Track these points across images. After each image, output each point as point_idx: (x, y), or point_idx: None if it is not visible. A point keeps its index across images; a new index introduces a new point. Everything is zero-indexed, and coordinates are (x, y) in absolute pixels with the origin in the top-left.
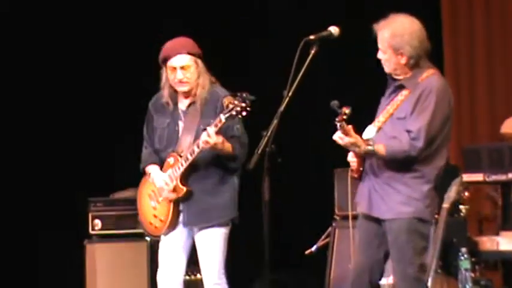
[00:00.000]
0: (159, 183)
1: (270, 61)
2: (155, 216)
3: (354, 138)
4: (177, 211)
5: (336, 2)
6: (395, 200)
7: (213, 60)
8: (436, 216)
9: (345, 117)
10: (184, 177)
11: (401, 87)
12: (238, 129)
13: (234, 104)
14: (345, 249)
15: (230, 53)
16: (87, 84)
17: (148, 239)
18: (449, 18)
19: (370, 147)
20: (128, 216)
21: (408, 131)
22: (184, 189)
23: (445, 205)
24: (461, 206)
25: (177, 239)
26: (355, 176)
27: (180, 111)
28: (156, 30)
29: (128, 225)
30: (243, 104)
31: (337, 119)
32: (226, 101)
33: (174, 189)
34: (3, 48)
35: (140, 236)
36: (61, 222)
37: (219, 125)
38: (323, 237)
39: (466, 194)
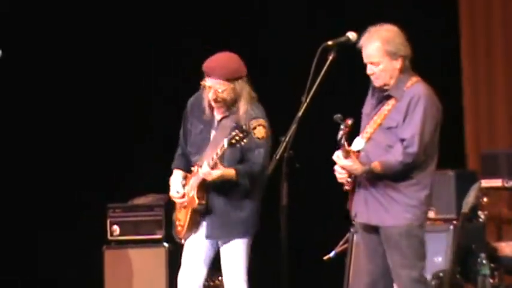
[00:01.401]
0: (171, 192)
1: (287, 66)
2: (179, 219)
3: (352, 161)
4: (196, 220)
5: (356, 6)
6: (394, 208)
7: None
8: (455, 222)
9: (347, 129)
10: (204, 190)
11: (387, 97)
12: (259, 153)
13: (236, 134)
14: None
15: (247, 56)
16: (107, 89)
17: (166, 245)
18: (467, 25)
19: (366, 168)
20: (146, 222)
21: (402, 140)
22: (197, 201)
23: (464, 211)
24: (479, 212)
25: (199, 248)
26: (348, 187)
27: (215, 120)
28: (174, 30)
29: (146, 231)
30: (241, 134)
31: (341, 132)
32: (255, 122)
33: (191, 201)
34: (3, 49)
35: (158, 242)
36: (80, 228)
37: (221, 151)
38: (341, 242)
39: (485, 199)
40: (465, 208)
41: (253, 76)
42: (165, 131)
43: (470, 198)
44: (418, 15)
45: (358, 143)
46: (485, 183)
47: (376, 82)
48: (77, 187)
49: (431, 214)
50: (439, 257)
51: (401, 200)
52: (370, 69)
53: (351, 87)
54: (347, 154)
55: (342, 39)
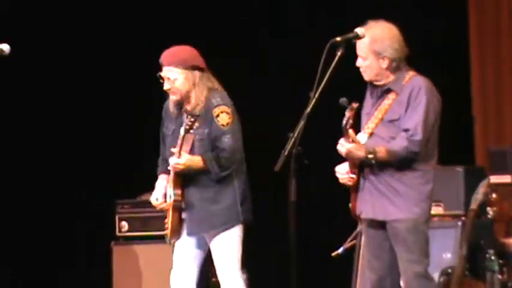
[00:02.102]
0: (151, 199)
1: (294, 62)
2: (166, 222)
3: (355, 143)
4: (178, 219)
5: (372, 5)
6: (400, 202)
7: (233, 61)
8: (464, 218)
9: (353, 113)
10: (179, 186)
11: (388, 91)
12: (227, 139)
13: (188, 118)
14: None
15: (254, 52)
16: (111, 85)
17: (174, 244)
18: (476, 21)
19: (371, 150)
20: (154, 218)
21: (406, 130)
22: (172, 198)
23: (473, 207)
24: (488, 208)
25: (187, 247)
26: (350, 183)
27: (184, 118)
28: (174, 30)
29: (154, 227)
30: (192, 119)
31: (346, 115)
32: (217, 110)
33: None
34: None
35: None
36: (88, 224)
37: (181, 139)
38: (349, 239)
39: (494, 195)
40: (474, 204)
41: (255, 73)
42: None
43: (478, 195)
44: (418, 15)
45: (361, 139)
46: (494, 179)
47: (364, 76)
48: (86, 183)
49: (439, 210)
50: (447, 253)
51: (408, 193)
52: (358, 62)
53: (358, 84)
54: (351, 140)
55: (351, 35)
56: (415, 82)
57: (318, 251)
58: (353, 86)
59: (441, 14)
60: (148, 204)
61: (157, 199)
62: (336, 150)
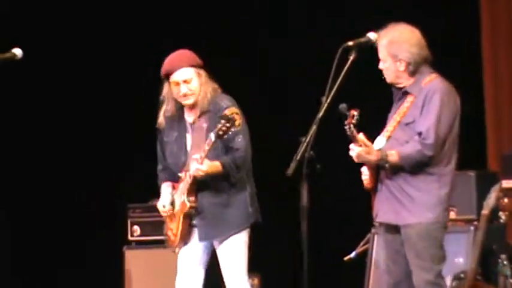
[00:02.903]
0: (158, 205)
1: (309, 66)
2: (171, 229)
3: (365, 147)
4: (188, 225)
5: (372, 5)
6: (413, 206)
7: (233, 61)
8: (476, 223)
9: (353, 120)
10: (193, 193)
11: (406, 93)
12: (239, 139)
13: (222, 125)
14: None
15: (268, 57)
16: (121, 87)
17: (178, 252)
18: (488, 22)
19: (383, 154)
20: None
21: (419, 133)
22: (188, 205)
23: (485, 212)
24: (500, 213)
25: (194, 252)
26: (369, 186)
27: (187, 124)
28: (174, 31)
29: None
30: (228, 124)
31: (345, 122)
32: (228, 112)
33: (182, 206)
34: (3, 48)
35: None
36: (100, 228)
37: (209, 145)
38: (362, 243)
39: (506, 200)
40: (486, 209)
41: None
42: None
43: (490, 200)
44: (418, 14)
45: (379, 142)
46: (506, 184)
47: (386, 78)
48: (98, 187)
49: (452, 215)
50: (459, 258)
51: (421, 197)
52: (380, 65)
53: (368, 88)
54: (360, 143)
55: (363, 39)
56: (432, 84)
57: (330, 256)
58: (368, 90)
59: (441, 14)
60: None
61: (164, 206)
62: (348, 153)
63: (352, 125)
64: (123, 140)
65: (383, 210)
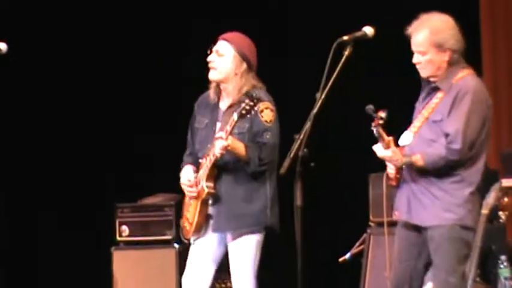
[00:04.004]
0: (182, 179)
1: (301, 62)
2: (187, 218)
3: (392, 152)
4: (205, 214)
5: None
6: (435, 207)
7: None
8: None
9: (381, 121)
10: (212, 179)
11: (436, 89)
12: (268, 136)
13: (245, 102)
14: (380, 257)
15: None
16: (115, 87)
17: (176, 246)
18: (487, 18)
19: (407, 160)
20: (156, 222)
21: (446, 135)
22: (206, 190)
23: (484, 211)
24: (500, 212)
25: (207, 246)
26: (393, 183)
27: (220, 112)
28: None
29: (156, 232)
30: (251, 103)
31: (373, 124)
32: (262, 105)
33: (201, 192)
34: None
35: (168, 243)
36: (87, 228)
37: (231, 124)
38: (357, 244)
39: (506, 199)
40: (485, 209)
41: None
42: (175, 130)
43: (490, 199)
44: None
45: (406, 138)
46: (506, 182)
47: (422, 72)
48: (85, 186)
49: None
50: None
51: (444, 198)
52: (416, 58)
53: (367, 83)
54: (387, 145)
55: (358, 34)
56: (463, 83)
57: (324, 257)
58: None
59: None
60: (150, 208)
61: (189, 180)
62: (343, 152)
63: (379, 127)
64: (113, 138)
65: (404, 208)
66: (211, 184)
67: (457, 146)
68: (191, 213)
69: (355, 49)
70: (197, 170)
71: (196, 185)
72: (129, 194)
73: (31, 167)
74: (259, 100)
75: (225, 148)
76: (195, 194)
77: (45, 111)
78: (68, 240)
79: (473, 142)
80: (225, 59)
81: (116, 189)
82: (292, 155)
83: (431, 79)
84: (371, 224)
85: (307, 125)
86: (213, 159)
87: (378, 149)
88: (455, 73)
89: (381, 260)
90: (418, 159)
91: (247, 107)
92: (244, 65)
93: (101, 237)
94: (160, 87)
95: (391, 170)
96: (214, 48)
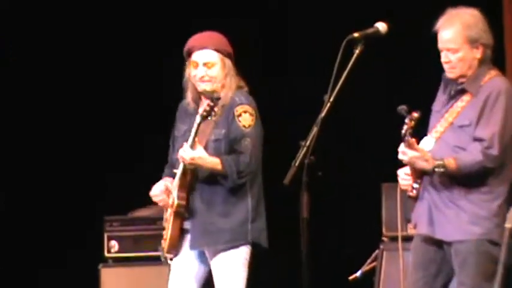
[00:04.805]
0: (151, 191)
1: (308, 61)
2: (163, 236)
3: (419, 152)
4: (178, 228)
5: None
6: (461, 220)
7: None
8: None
9: (413, 124)
10: (184, 189)
11: (461, 91)
12: (247, 143)
13: (207, 103)
14: (394, 275)
15: (265, 52)
16: (102, 94)
17: (170, 262)
18: (511, 19)
19: (439, 162)
20: (147, 237)
21: (479, 140)
22: (176, 201)
23: (508, 225)
24: None
25: (187, 264)
26: (413, 195)
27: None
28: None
29: (147, 247)
30: (211, 103)
31: (405, 127)
32: (240, 108)
33: (172, 204)
34: (3, 46)
35: (161, 259)
36: (73, 243)
37: (196, 127)
38: (369, 261)
39: None
40: (509, 222)
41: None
42: (166, 140)
43: None
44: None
45: (427, 143)
46: None
47: (451, 72)
48: (71, 198)
49: None
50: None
51: (470, 210)
52: (445, 57)
53: (380, 84)
54: (412, 147)
55: (370, 30)
56: (493, 84)
57: (333, 275)
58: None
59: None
60: (141, 221)
61: (155, 193)
62: (353, 160)
63: (410, 131)
64: (101, 147)
65: (424, 221)
66: (183, 194)
67: (495, 151)
68: (166, 229)
69: (367, 47)
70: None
71: (168, 197)
72: (118, 206)
73: (12, 174)
74: (218, 99)
75: (185, 160)
76: (168, 210)
77: (37, 117)
78: (51, 257)
79: (505, 148)
80: (216, 68)
81: (104, 200)
82: (297, 163)
83: (460, 80)
84: (384, 238)
85: (314, 130)
86: (181, 169)
87: (404, 154)
88: (484, 74)
89: (395, 279)
90: (451, 163)
91: (207, 108)
92: (229, 63)
93: (87, 254)
94: (156, 93)
95: (404, 179)
96: (200, 61)
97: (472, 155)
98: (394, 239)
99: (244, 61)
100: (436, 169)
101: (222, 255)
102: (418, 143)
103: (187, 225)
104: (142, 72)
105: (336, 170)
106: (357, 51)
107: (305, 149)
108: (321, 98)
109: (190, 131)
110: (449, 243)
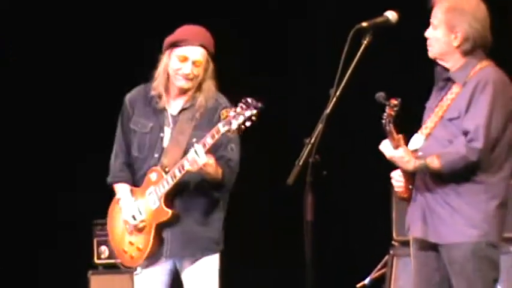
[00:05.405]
0: (126, 216)
1: (312, 54)
2: (131, 243)
3: (403, 152)
4: (159, 239)
5: None
6: (456, 221)
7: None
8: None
9: (393, 112)
10: (169, 199)
11: (449, 81)
12: (232, 149)
13: (236, 112)
14: (405, 282)
15: (266, 44)
16: (102, 94)
17: (138, 272)
18: None
19: (421, 163)
20: None
21: (465, 132)
22: (170, 212)
23: None
24: None
25: (159, 274)
26: (404, 195)
27: (168, 115)
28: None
29: None
30: (249, 112)
31: (384, 115)
32: (224, 113)
33: (157, 214)
34: (3, 46)
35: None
36: (60, 249)
37: (216, 136)
38: (378, 267)
39: None
40: None
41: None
42: None
43: None
44: None
45: (417, 141)
46: None
47: (429, 51)
48: (59, 202)
49: None
50: (498, 286)
51: (466, 211)
52: (427, 32)
53: (390, 77)
54: (397, 143)
55: (379, 19)
56: (482, 74)
57: (340, 282)
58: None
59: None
60: None
61: (134, 217)
62: (361, 159)
63: (391, 118)
64: (90, 148)
65: (418, 223)
66: (170, 203)
67: (478, 144)
68: (142, 238)
69: (376, 38)
70: (133, 190)
71: (147, 210)
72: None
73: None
74: (258, 109)
75: (205, 166)
76: (144, 223)
77: (37, 117)
78: (37, 262)
79: (497, 141)
80: (201, 68)
81: (92, 203)
82: (301, 162)
83: (439, 62)
84: (394, 243)
85: (319, 127)
86: (179, 175)
87: (386, 148)
88: (474, 65)
89: (406, 286)
90: (434, 161)
91: (242, 118)
92: (211, 65)
93: (76, 260)
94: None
95: (398, 181)
96: (191, 58)
97: (456, 150)
98: (405, 243)
99: (244, 61)
100: (419, 170)
101: (199, 264)
102: (405, 141)
103: (164, 234)
104: (142, 73)
105: (342, 170)
106: (365, 42)
107: (309, 147)
108: (327, 92)
109: (159, 128)
110: (444, 247)
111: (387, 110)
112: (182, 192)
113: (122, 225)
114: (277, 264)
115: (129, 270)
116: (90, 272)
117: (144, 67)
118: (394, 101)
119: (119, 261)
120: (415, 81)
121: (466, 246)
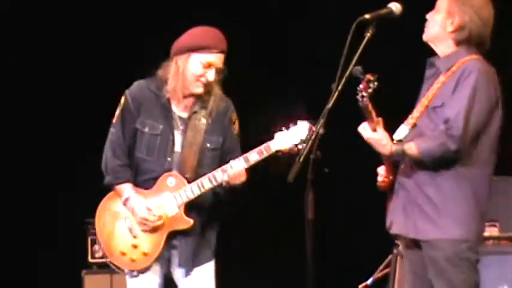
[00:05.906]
0: (143, 213)
1: (312, 54)
2: (135, 246)
3: (380, 135)
4: (169, 246)
5: None
6: (438, 216)
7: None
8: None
9: (369, 89)
10: (187, 207)
11: (434, 66)
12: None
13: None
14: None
15: (267, 40)
16: (101, 94)
17: (134, 276)
18: None
19: (398, 147)
20: None
21: (445, 121)
22: (191, 221)
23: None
24: None
25: (152, 275)
26: (383, 185)
27: (177, 118)
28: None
29: None
30: (303, 137)
31: (358, 89)
32: (234, 116)
33: (175, 221)
34: (3, 46)
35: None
36: (53, 248)
37: (264, 153)
38: (381, 267)
39: None
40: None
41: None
42: None
43: None
44: None
45: (401, 131)
46: None
47: (425, 33)
48: (52, 200)
49: (494, 231)
50: (503, 285)
51: (448, 208)
52: (429, 14)
53: (393, 70)
54: (375, 126)
55: (383, 11)
56: (468, 64)
57: (341, 282)
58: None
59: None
60: None
61: (150, 209)
62: (363, 155)
63: (367, 95)
64: (84, 146)
65: (399, 219)
66: (196, 211)
67: (457, 131)
68: (150, 242)
69: (379, 30)
70: (138, 191)
71: (164, 215)
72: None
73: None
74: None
75: (239, 179)
76: (159, 223)
77: (37, 117)
78: (30, 262)
79: (478, 131)
80: (216, 74)
81: (86, 201)
82: (302, 158)
83: (431, 45)
84: (398, 242)
85: (320, 122)
86: (209, 186)
87: (364, 130)
88: (463, 55)
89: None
90: (411, 148)
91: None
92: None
93: (69, 259)
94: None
95: (381, 175)
96: (216, 65)
97: (434, 137)
98: None
99: (244, 61)
100: (396, 155)
101: (201, 270)
102: (378, 115)
103: (176, 241)
104: (142, 73)
105: (344, 166)
106: (368, 35)
107: (310, 143)
108: (328, 86)
109: (169, 132)
110: (426, 246)
111: (362, 84)
112: (197, 201)
113: (122, 226)
114: (277, 264)
115: (121, 272)
116: (83, 271)
117: (144, 67)
118: (370, 76)
119: (108, 260)
120: (419, 75)
121: (447, 244)
